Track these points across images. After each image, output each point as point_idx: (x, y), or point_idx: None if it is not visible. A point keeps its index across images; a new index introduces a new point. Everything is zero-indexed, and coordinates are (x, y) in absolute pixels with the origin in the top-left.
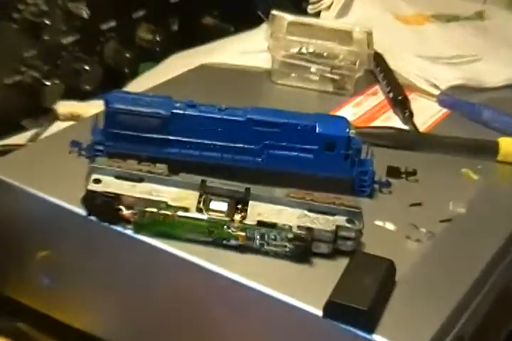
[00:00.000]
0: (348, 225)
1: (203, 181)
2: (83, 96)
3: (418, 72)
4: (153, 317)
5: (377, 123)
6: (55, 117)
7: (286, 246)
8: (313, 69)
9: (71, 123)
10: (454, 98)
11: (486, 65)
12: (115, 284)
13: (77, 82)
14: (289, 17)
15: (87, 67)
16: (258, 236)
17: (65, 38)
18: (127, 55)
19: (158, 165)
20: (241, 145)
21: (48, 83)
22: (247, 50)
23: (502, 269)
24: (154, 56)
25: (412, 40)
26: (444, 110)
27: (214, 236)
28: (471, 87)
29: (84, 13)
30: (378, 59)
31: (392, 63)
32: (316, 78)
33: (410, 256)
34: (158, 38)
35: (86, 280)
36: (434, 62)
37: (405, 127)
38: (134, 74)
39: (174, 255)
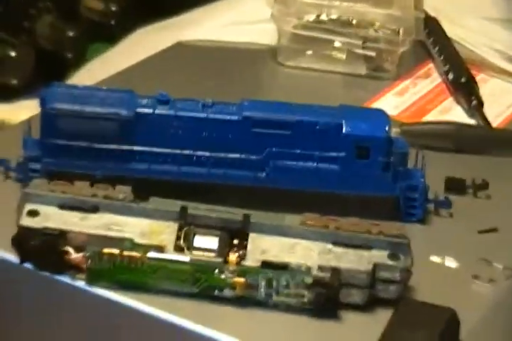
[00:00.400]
0: (391, 263)
1: (183, 208)
2: (8, 95)
3: (489, 42)
4: None
5: (431, 116)
6: None
7: (303, 296)
8: (337, 44)
9: None
10: None
11: None
12: None
13: (0, 75)
14: None
15: (12, 53)
16: (263, 283)
17: None
18: (70, 34)
19: (119, 187)
20: (236, 155)
21: None
22: (240, 20)
23: None
24: (108, 34)
25: None
26: None
27: (201, 285)
28: None
29: None
30: (432, 25)
31: (452, 31)
32: (343, 56)
33: (480, 304)
34: (113, 7)
35: None
36: None
37: (471, 121)
38: (81, 60)
39: (146, 314)
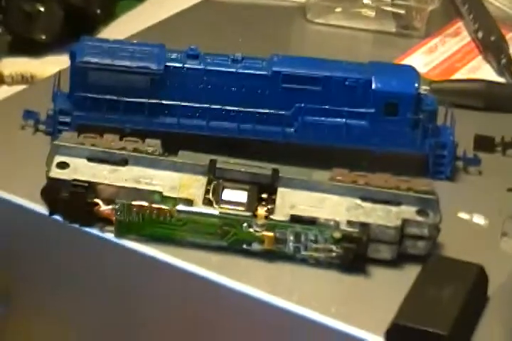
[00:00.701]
0: (420, 218)
1: (212, 161)
2: (37, 50)
3: None
4: None
5: (460, 75)
6: None
7: (331, 250)
8: (366, 1)
9: (22, 87)
10: None
11: None
12: (91, 308)
13: (29, 30)
14: None
15: (41, 8)
16: (292, 238)
17: None
18: None
19: (148, 140)
20: (265, 110)
21: None
22: None
23: None
24: None
25: None
26: None
27: (230, 238)
28: None
29: None
30: None
31: None
32: (372, 13)
33: (508, 260)
34: None
35: (51, 304)
36: None
37: (500, 80)
38: (110, 16)
39: (174, 267)
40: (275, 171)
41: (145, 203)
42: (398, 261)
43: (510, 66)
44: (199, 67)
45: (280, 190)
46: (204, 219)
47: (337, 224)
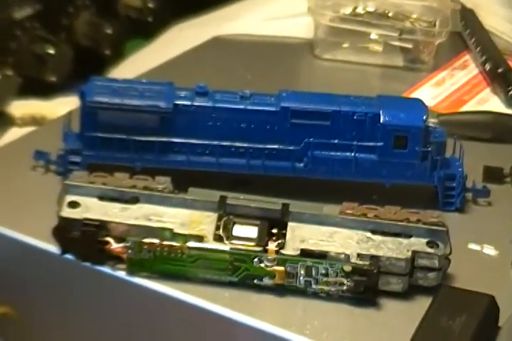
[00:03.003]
0: (430, 250)
1: (222, 198)
2: (47, 91)
3: None
4: None
5: (468, 107)
6: (9, 122)
7: (342, 284)
8: (374, 36)
9: (33, 128)
10: None
11: None
12: None
13: (39, 72)
14: None
15: (51, 51)
16: (302, 272)
17: (20, 11)
18: (108, 31)
19: (158, 178)
20: (274, 146)
21: None
22: (276, 14)
23: None
24: (146, 30)
25: None
26: None
27: (241, 274)
28: None
29: None
30: (468, 17)
31: (488, 22)
32: (380, 48)
33: None
34: (150, 4)
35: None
36: None
37: (509, 111)
38: (119, 56)
39: (187, 303)
40: (285, 206)
41: (156, 240)
42: (409, 292)
43: None
44: (208, 104)
45: (290, 225)
46: (215, 255)
47: (347, 257)
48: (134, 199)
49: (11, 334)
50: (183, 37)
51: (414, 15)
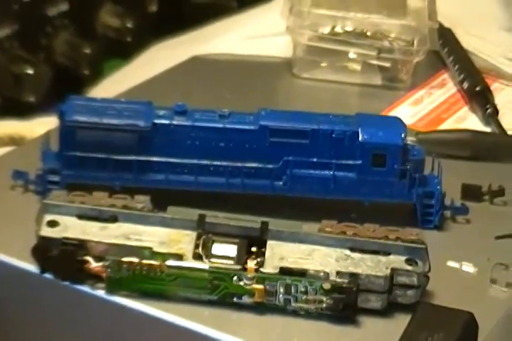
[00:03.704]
0: (409, 268)
1: (201, 216)
2: (26, 111)
3: (503, 52)
4: None
5: (447, 125)
6: None
7: (321, 301)
8: (352, 55)
9: (11, 148)
10: None
11: None
12: None
13: (17, 92)
14: None
15: (29, 71)
16: (282, 290)
17: None
18: (86, 51)
19: (137, 197)
20: (253, 164)
21: None
22: (255, 33)
23: None
24: (125, 50)
25: (496, 4)
26: None
27: (220, 292)
28: None
29: None
30: (446, 36)
31: (466, 41)
32: (358, 67)
33: (498, 308)
34: (129, 25)
35: None
36: None
37: (487, 129)
38: (98, 76)
39: (166, 322)
40: (264, 224)
41: (135, 259)
42: (388, 309)
43: (496, 115)
44: (187, 123)
45: (269, 243)
46: (194, 273)
47: (326, 275)
48: (113, 218)
49: None
50: (162, 56)
51: (393, 35)
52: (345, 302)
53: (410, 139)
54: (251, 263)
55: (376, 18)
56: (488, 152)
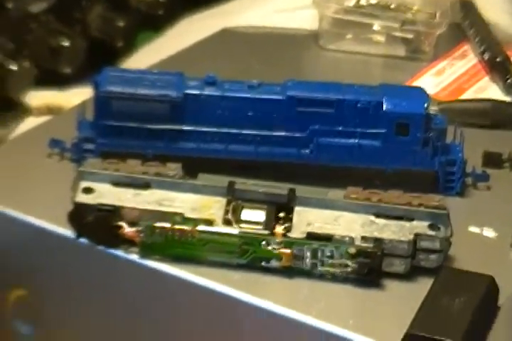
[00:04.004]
0: (432, 233)
1: (230, 183)
2: (62, 82)
3: None
4: None
5: (468, 95)
6: (26, 112)
7: (347, 266)
8: (376, 27)
9: (48, 118)
10: None
11: None
12: (117, 328)
13: (54, 64)
14: None
15: (66, 43)
16: (309, 254)
17: (35, 5)
18: (120, 24)
19: (169, 165)
20: (281, 133)
21: (14, 67)
22: (283, 6)
23: None
24: (157, 23)
25: None
26: None
27: (249, 256)
28: None
29: None
30: (467, 8)
31: (488, 13)
32: (382, 39)
33: None
34: None
35: (77, 324)
36: None
37: (507, 99)
38: (131, 48)
39: (197, 285)
40: (291, 191)
41: (167, 225)
42: (411, 273)
43: None
44: (217, 93)
45: (297, 209)
46: (224, 238)
47: (352, 240)
48: (146, 185)
49: (27, 317)
50: (193, 29)
51: (415, 7)
52: (369, 266)
53: (433, 109)
54: (279, 229)
55: None
56: (508, 121)
